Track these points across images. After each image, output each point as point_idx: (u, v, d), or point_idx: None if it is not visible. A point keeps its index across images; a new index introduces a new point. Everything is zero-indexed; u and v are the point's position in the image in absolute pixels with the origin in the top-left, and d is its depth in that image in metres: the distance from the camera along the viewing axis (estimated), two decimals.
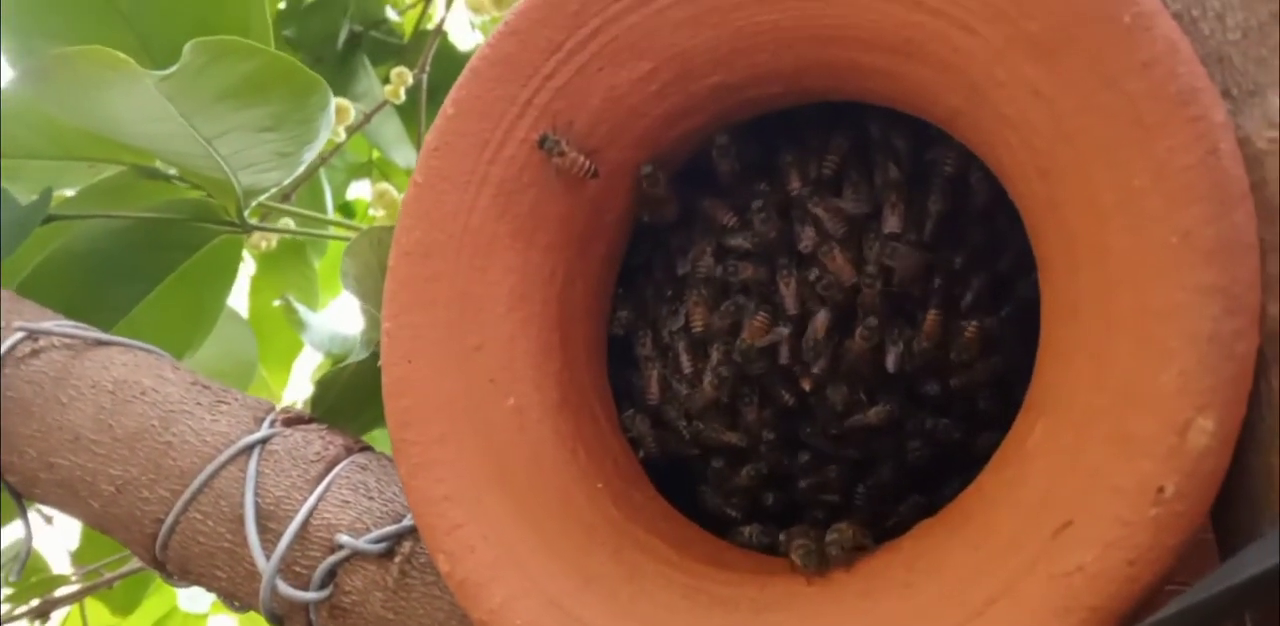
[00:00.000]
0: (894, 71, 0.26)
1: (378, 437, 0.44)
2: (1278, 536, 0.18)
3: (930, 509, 0.31)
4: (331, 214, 1.15)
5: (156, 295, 0.54)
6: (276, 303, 1.10)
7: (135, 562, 0.68)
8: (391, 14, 1.21)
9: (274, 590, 0.30)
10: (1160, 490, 0.19)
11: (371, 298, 0.35)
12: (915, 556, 0.24)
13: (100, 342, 0.33)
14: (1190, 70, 0.20)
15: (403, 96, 1.04)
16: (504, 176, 0.28)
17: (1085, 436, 0.21)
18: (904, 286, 0.30)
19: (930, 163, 0.30)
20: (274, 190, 0.52)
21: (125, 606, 0.77)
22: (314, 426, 0.32)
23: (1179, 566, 0.21)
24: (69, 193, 0.60)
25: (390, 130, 1.17)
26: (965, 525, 0.23)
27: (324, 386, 0.34)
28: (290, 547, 0.29)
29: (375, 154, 1.24)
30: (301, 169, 0.51)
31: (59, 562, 0.76)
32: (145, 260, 0.53)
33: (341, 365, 0.34)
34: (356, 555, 0.30)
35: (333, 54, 1.17)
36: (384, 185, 1.19)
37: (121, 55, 0.34)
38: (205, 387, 0.33)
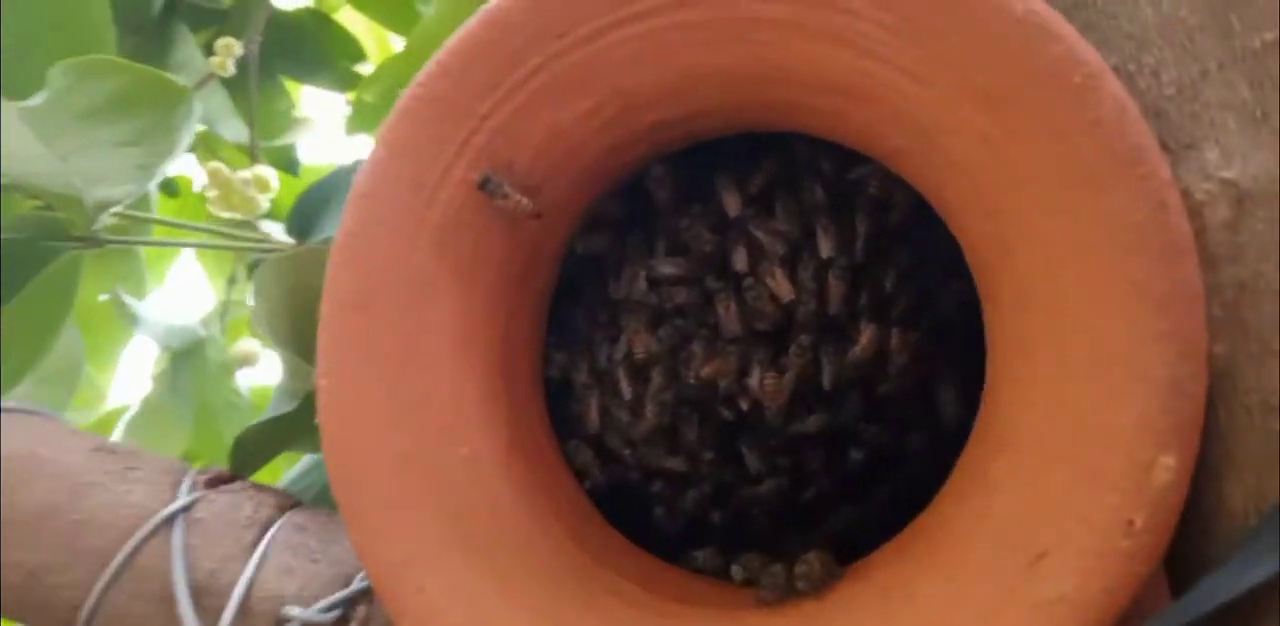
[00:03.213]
0: (839, 111, 0.26)
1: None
2: (1233, 568, 0.19)
3: (862, 520, 0.33)
4: (155, 194, 1.07)
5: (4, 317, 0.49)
6: (103, 297, 1.02)
7: None
8: None
9: None
10: (1130, 522, 0.21)
11: (289, 342, 0.32)
12: (887, 588, 0.25)
13: None
14: (1137, 129, 0.21)
15: (231, 69, 0.98)
16: (442, 219, 0.27)
17: (1050, 471, 0.22)
18: (836, 305, 0.31)
19: (854, 182, 0.31)
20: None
21: None
22: (239, 485, 0.30)
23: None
24: None
25: (215, 102, 1.09)
26: (934, 556, 0.24)
27: (240, 443, 0.31)
28: (234, 625, 0.27)
29: (200, 128, 1.16)
30: (155, 181, 0.48)
31: None
32: None
33: (259, 421, 0.32)
34: None
35: (150, 23, 1.08)
36: (216, 164, 1.11)
37: None
38: (111, 453, 0.30)
